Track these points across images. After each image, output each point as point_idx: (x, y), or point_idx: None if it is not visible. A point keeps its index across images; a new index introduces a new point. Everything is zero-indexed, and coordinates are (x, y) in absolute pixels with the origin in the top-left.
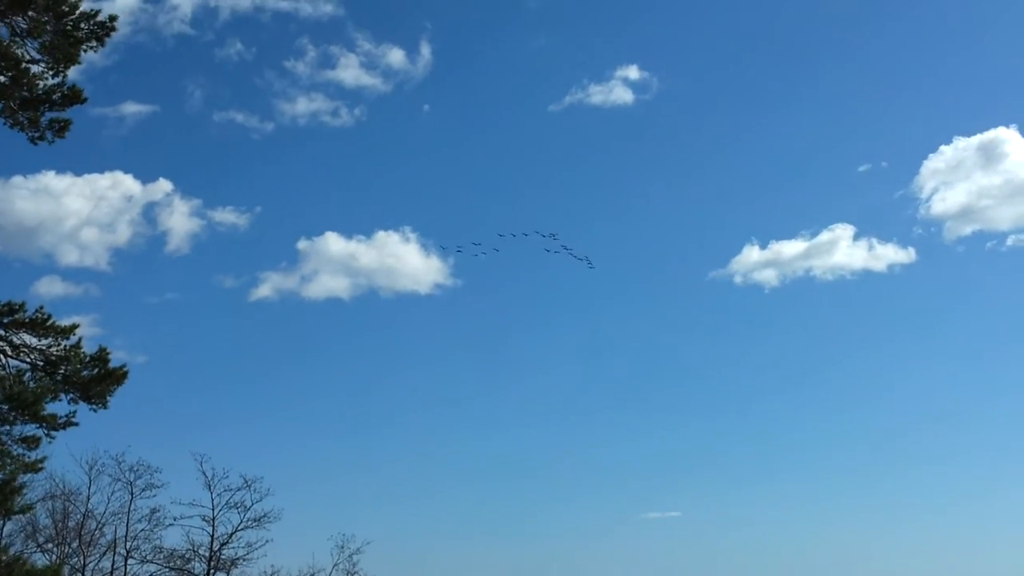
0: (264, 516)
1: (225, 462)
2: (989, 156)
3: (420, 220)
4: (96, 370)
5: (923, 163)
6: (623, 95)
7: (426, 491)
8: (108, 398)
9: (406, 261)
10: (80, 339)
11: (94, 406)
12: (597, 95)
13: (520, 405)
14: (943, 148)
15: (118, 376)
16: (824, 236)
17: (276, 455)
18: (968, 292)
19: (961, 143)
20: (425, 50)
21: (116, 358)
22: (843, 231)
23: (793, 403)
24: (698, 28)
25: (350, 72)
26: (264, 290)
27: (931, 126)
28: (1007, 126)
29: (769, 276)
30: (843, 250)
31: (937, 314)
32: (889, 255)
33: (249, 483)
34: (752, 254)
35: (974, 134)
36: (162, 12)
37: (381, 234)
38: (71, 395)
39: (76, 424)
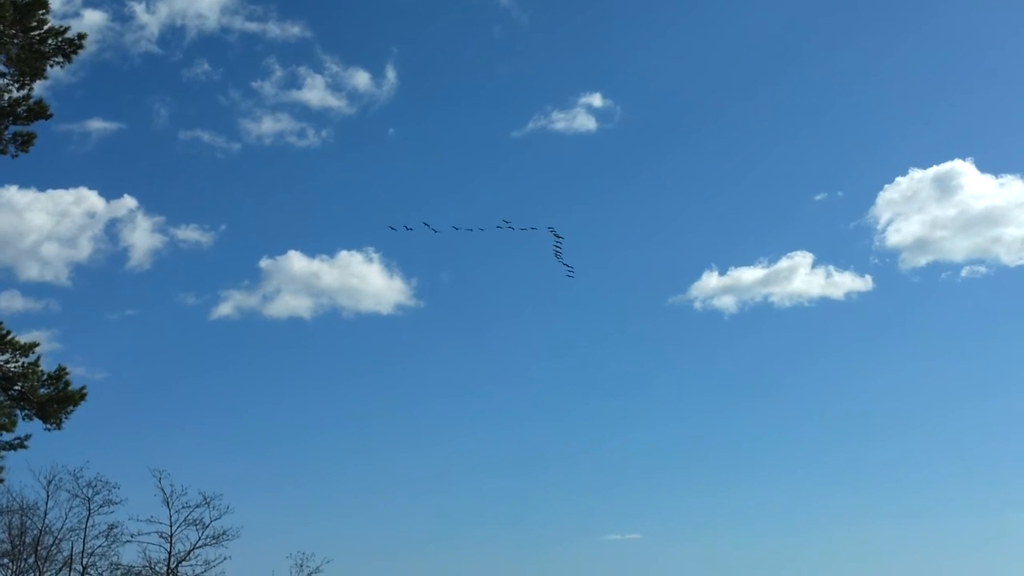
0: (223, 534)
1: (184, 479)
2: (944, 188)
3: (383, 241)
4: (53, 388)
5: (879, 194)
6: (586, 122)
7: (383, 507)
8: (64, 418)
9: (369, 281)
10: (39, 357)
11: (49, 426)
12: (560, 122)
13: (479, 426)
14: (899, 179)
15: (76, 397)
16: (783, 263)
17: (236, 472)
18: (923, 322)
19: (917, 174)
20: (391, 74)
21: (75, 374)
22: (802, 258)
23: (752, 428)
24: (661, 58)
25: (316, 93)
26: (225, 308)
27: (888, 157)
28: (963, 159)
29: (728, 302)
30: (802, 277)
31: (893, 343)
32: (847, 283)
33: (208, 500)
34: (711, 280)
35: (930, 166)
36: (129, 31)
37: (344, 254)
38: (26, 412)
39: (26, 447)
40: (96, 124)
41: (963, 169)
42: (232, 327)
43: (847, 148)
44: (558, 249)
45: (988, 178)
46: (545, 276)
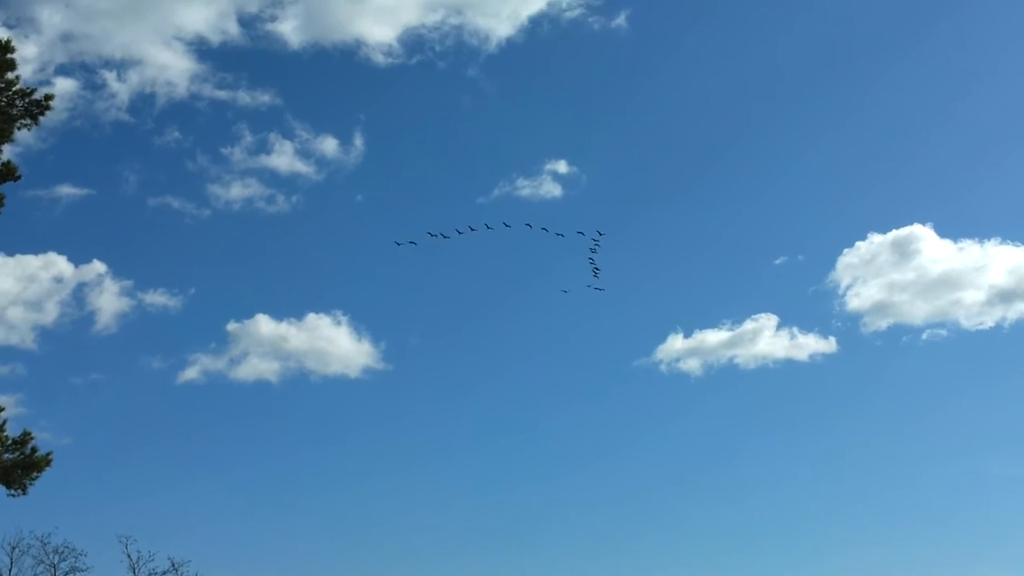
0: None
1: (151, 545)
2: (903, 252)
3: (351, 304)
4: (18, 454)
5: (839, 258)
6: (552, 188)
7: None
8: (28, 484)
9: (337, 344)
10: (5, 421)
11: (13, 492)
12: (525, 188)
13: (448, 493)
14: (858, 244)
15: (42, 463)
16: (748, 325)
17: (204, 538)
18: (886, 384)
19: (876, 239)
20: (358, 140)
21: (41, 439)
22: (767, 320)
23: (720, 491)
24: (626, 125)
25: (284, 159)
26: (192, 372)
27: (847, 221)
28: (923, 223)
29: (693, 365)
30: (766, 339)
31: (859, 404)
32: (811, 344)
33: (176, 566)
34: (676, 343)
35: (889, 230)
36: (100, 99)
37: (312, 316)
38: None
39: None
40: (65, 190)
41: (922, 234)
42: (199, 391)
43: (806, 212)
44: (593, 253)
45: (947, 243)
46: (513, 341)
